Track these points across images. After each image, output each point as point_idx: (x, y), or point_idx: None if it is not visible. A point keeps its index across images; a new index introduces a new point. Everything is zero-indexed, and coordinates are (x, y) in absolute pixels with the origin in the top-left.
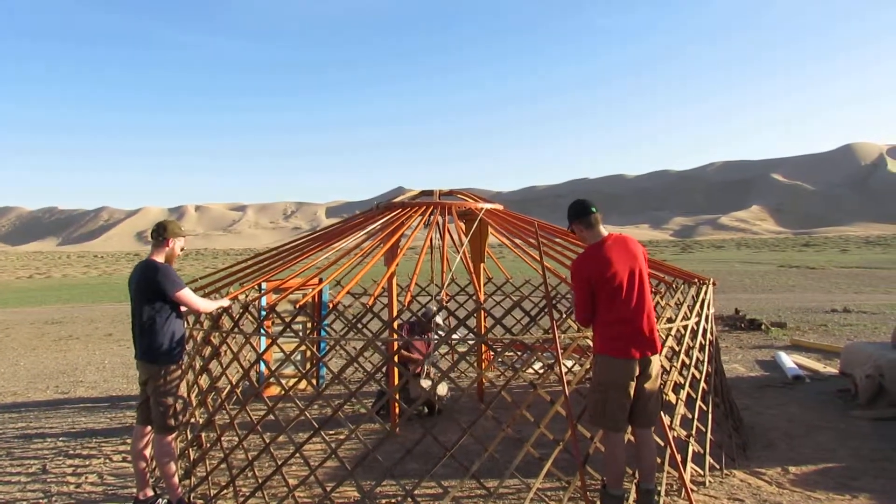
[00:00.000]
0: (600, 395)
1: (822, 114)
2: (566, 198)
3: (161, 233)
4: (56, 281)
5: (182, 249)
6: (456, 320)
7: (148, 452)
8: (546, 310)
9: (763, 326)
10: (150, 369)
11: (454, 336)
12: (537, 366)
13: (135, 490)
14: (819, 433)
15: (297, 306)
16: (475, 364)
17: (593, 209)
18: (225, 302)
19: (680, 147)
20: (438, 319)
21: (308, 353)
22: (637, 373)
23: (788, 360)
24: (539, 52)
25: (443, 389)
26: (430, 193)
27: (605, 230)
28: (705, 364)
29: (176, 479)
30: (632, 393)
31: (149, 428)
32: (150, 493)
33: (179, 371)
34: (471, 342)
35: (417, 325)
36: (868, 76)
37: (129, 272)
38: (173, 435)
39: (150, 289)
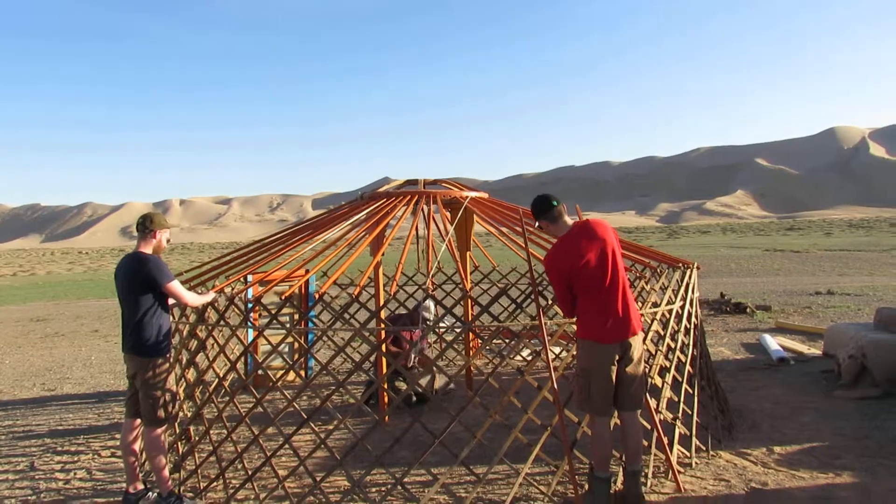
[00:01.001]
0: (583, 380)
1: (806, 98)
2: (553, 186)
3: (147, 225)
4: (40, 278)
5: (168, 241)
6: (443, 309)
7: (137, 446)
8: (532, 297)
9: (748, 310)
10: (138, 362)
11: (441, 324)
12: (525, 352)
13: (124, 484)
14: (803, 413)
15: (283, 297)
16: (462, 352)
17: (555, 202)
18: (212, 296)
19: (665, 133)
20: (430, 305)
21: (296, 344)
22: (618, 357)
23: (773, 343)
24: (522, 41)
25: (440, 381)
26: (414, 183)
27: (570, 220)
28: (690, 347)
29: (166, 472)
30: (614, 377)
31: (138, 421)
32: (140, 486)
33: (167, 364)
34: (457, 330)
35: (407, 317)
36: (850, 60)
37: (114, 268)
38: (163, 428)
39: (140, 281)
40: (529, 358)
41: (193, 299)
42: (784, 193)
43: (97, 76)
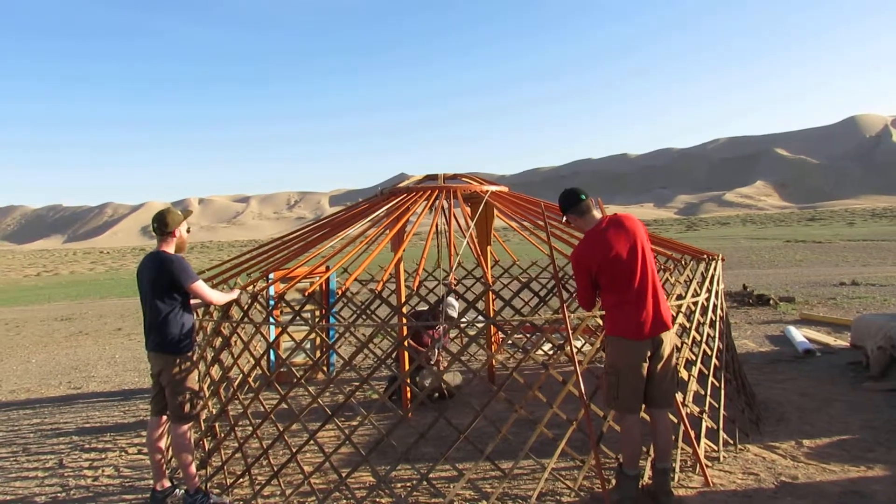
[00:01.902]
0: (613, 378)
1: (826, 87)
2: (570, 179)
3: (163, 225)
4: (64, 278)
5: (189, 232)
6: (465, 303)
7: (163, 443)
8: (555, 291)
9: (771, 301)
10: (163, 360)
11: (463, 319)
12: (546, 346)
13: (152, 482)
14: (831, 406)
15: (306, 294)
16: (485, 347)
17: (583, 196)
18: (236, 293)
19: (683, 124)
20: (453, 302)
21: (318, 340)
22: (649, 353)
23: (799, 335)
24: (538, 33)
25: (455, 379)
26: (434, 178)
27: (598, 213)
28: (716, 340)
29: (193, 469)
30: (645, 374)
31: (164, 419)
32: (167, 483)
33: (191, 361)
34: (479, 325)
35: (430, 314)
36: (871, 47)
37: (135, 267)
38: (189, 424)
39: (166, 280)
40: (550, 352)
41: (218, 297)
42: (805, 183)
43: (118, 76)
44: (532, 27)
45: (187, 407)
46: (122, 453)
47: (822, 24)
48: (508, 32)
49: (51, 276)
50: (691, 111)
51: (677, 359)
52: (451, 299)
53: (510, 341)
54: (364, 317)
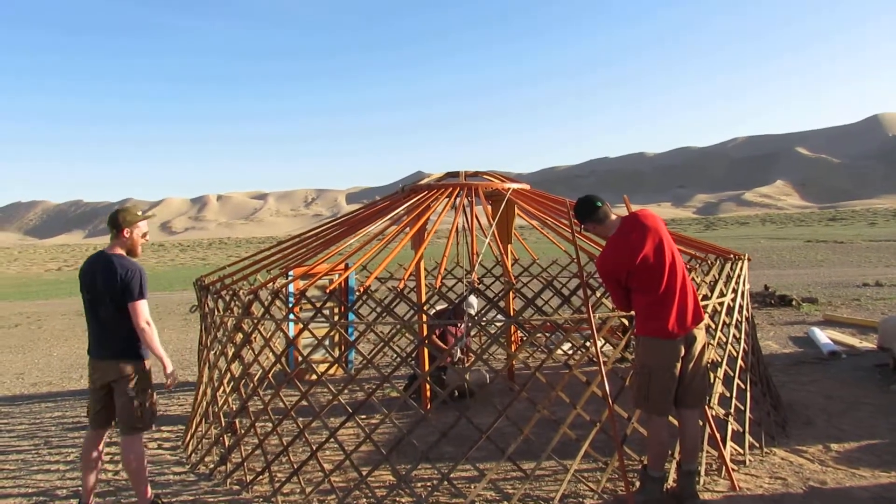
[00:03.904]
0: (643, 378)
1: (849, 85)
2: (587, 178)
3: (115, 223)
4: None
5: (144, 236)
6: (484, 301)
7: (99, 460)
8: (577, 290)
9: (794, 302)
10: (121, 368)
11: (485, 319)
12: (566, 346)
13: (179, 472)
14: (859, 409)
15: (327, 291)
16: (506, 346)
17: (599, 203)
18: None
19: (702, 123)
20: (472, 301)
21: (336, 337)
22: (682, 353)
23: (823, 336)
24: (556, 31)
25: (478, 377)
26: (455, 175)
27: (615, 216)
28: (742, 341)
29: (148, 489)
30: (677, 374)
31: (103, 433)
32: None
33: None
34: (498, 324)
35: (451, 312)
36: (895, 44)
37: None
38: (142, 435)
39: (122, 287)
40: (570, 352)
41: (147, 322)
42: (826, 183)
43: (140, 72)
44: (550, 25)
45: (146, 415)
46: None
47: (845, 22)
48: (526, 30)
49: (72, 270)
50: (710, 109)
51: (709, 357)
52: (472, 298)
53: (531, 341)
54: (385, 314)
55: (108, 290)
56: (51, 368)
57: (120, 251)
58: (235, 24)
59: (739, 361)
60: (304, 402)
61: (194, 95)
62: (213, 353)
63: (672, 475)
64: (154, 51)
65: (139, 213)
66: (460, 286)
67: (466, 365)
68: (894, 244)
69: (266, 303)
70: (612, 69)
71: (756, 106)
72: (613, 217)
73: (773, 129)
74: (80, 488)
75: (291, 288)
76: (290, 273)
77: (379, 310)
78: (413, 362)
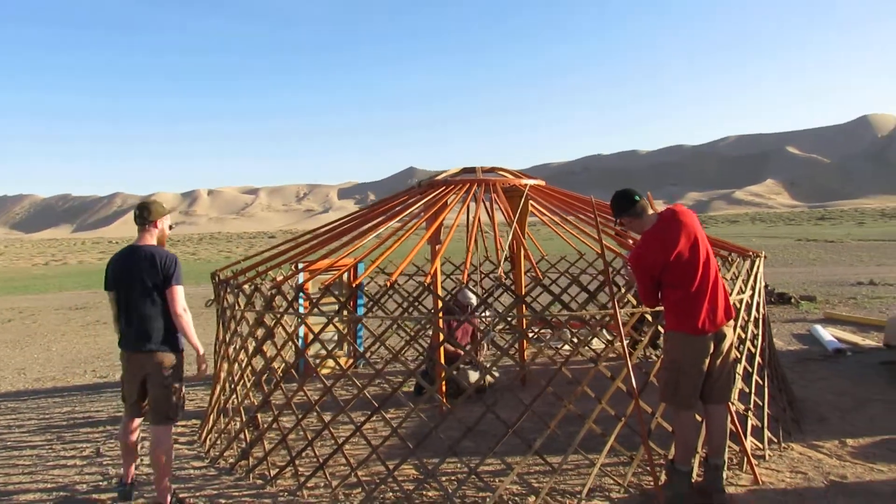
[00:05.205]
0: (672, 374)
1: (839, 85)
2: (580, 175)
3: (146, 216)
4: (73, 267)
5: (171, 228)
6: (508, 299)
7: (136, 444)
8: (604, 286)
9: (793, 300)
10: (158, 359)
11: (495, 316)
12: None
13: (198, 468)
14: (870, 405)
15: (354, 285)
16: (527, 342)
17: (637, 197)
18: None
19: (693, 121)
20: (468, 293)
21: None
22: (711, 349)
23: (826, 334)
24: (548, 29)
25: (476, 377)
26: (472, 171)
27: (651, 211)
28: (760, 338)
29: (168, 482)
30: (705, 370)
31: (137, 422)
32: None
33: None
34: (511, 320)
35: (451, 309)
36: (885, 46)
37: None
38: (172, 429)
39: (161, 276)
40: (575, 348)
41: (184, 307)
42: (815, 182)
43: (130, 67)
44: (541, 24)
45: (180, 405)
46: None
47: (836, 24)
48: (519, 28)
49: (59, 265)
50: (703, 108)
51: (737, 354)
52: (467, 291)
53: (546, 336)
54: (412, 309)
55: (155, 278)
56: (52, 364)
57: (151, 241)
58: (225, 19)
59: (757, 357)
60: (317, 396)
61: (185, 91)
62: (232, 347)
63: (696, 469)
64: (143, 46)
65: (164, 206)
66: (487, 281)
67: (483, 360)
68: (884, 244)
69: (289, 297)
70: (606, 67)
71: (748, 105)
72: (650, 212)
73: (765, 128)
74: (122, 470)
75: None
76: (302, 267)
77: (405, 304)
78: (428, 358)
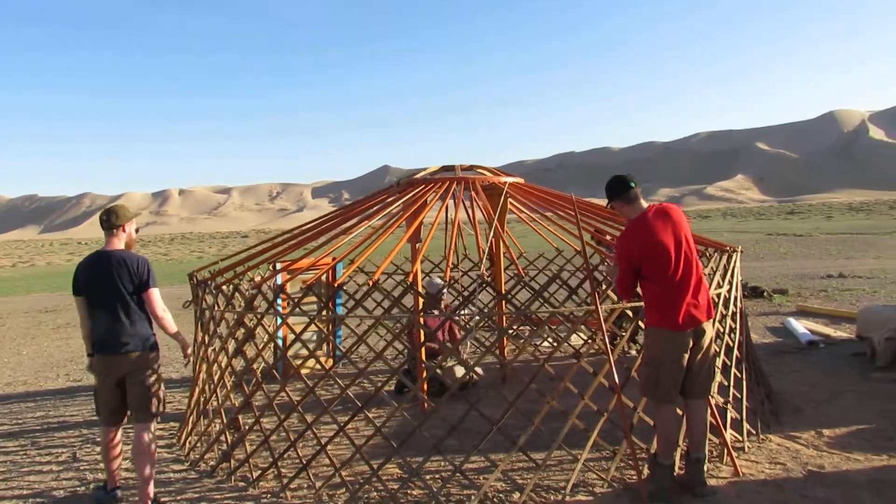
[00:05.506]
0: (652, 369)
1: (806, 82)
2: (554, 171)
3: (114, 220)
4: (41, 269)
5: (137, 231)
6: (487, 296)
7: (118, 450)
8: (584, 282)
9: (765, 294)
10: (140, 359)
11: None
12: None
13: (183, 470)
14: (843, 396)
15: (336, 284)
16: (514, 338)
17: (632, 184)
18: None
19: (665, 119)
20: (436, 280)
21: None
22: (691, 344)
23: (800, 326)
24: (520, 29)
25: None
26: (451, 169)
27: (645, 203)
28: (737, 332)
29: (151, 487)
30: (685, 365)
31: (118, 430)
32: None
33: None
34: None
35: (429, 302)
36: (850, 43)
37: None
38: (154, 426)
39: (134, 280)
40: (554, 345)
41: (163, 310)
42: (784, 177)
43: (95, 66)
44: (513, 23)
45: (159, 404)
46: None
47: (802, 20)
48: (492, 27)
49: (27, 267)
50: (674, 105)
51: (716, 349)
52: (435, 278)
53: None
54: (393, 307)
55: (129, 283)
56: (23, 368)
57: (119, 245)
58: (196, 18)
59: (735, 351)
60: (291, 397)
61: (155, 90)
62: (211, 349)
63: (678, 462)
64: (112, 44)
65: (131, 210)
66: (467, 279)
67: (466, 358)
68: (851, 237)
69: (269, 298)
70: (578, 66)
71: (719, 102)
72: (643, 203)
73: (734, 124)
74: (104, 476)
75: (279, 280)
76: (278, 266)
77: (387, 303)
78: (408, 355)
